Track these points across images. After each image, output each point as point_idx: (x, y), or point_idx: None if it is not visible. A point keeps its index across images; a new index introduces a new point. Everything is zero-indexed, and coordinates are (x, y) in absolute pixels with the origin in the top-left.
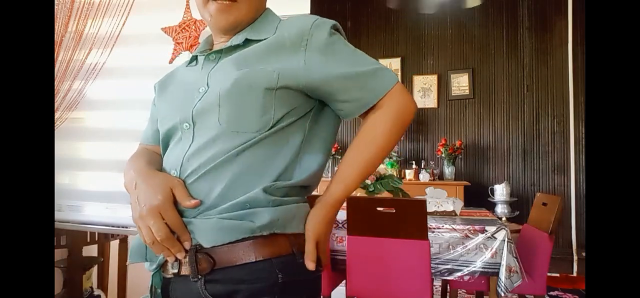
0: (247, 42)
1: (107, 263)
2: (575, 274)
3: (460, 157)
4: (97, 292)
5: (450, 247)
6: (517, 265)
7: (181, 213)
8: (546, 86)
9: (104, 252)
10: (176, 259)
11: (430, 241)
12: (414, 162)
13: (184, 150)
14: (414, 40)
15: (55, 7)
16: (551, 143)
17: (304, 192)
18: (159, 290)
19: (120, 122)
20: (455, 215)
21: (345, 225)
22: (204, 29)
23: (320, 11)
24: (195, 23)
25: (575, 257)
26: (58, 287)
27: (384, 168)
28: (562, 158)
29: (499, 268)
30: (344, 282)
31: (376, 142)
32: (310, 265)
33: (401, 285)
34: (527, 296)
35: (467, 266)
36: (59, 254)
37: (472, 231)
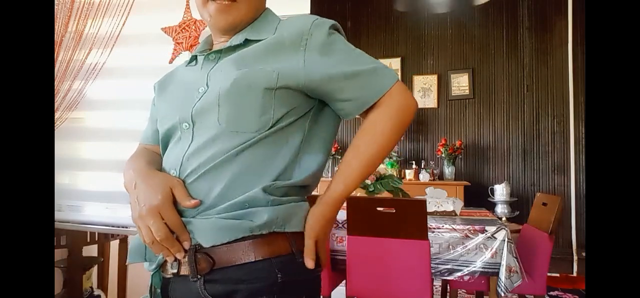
0: (247, 42)
1: (107, 263)
2: (575, 274)
3: (460, 157)
4: (97, 292)
5: (450, 247)
6: (517, 265)
7: (181, 213)
8: (546, 86)
9: (104, 252)
10: (175, 259)
11: (430, 241)
12: (414, 162)
13: (183, 150)
14: (414, 40)
15: (55, 7)
16: (551, 143)
17: (304, 192)
18: (159, 290)
19: (120, 122)
20: (455, 215)
21: (345, 225)
22: (204, 29)
23: (320, 11)
24: (195, 23)
25: (575, 257)
26: (58, 287)
27: (384, 168)
28: (562, 158)
29: (499, 268)
30: (344, 282)
31: (377, 141)
32: (309, 262)
33: (401, 285)
34: (527, 296)
35: (467, 266)
36: (59, 254)
37: (472, 231)
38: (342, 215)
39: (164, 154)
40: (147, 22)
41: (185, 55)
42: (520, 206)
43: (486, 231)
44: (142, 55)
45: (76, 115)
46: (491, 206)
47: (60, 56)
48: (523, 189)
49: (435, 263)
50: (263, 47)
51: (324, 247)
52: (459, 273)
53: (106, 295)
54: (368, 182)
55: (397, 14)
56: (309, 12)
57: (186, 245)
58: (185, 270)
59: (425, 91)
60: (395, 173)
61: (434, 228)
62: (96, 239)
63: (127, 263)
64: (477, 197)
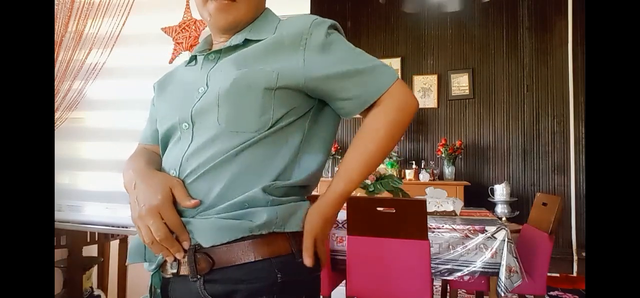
0: (247, 42)
1: (107, 263)
2: (575, 274)
3: (460, 157)
4: (97, 292)
5: (450, 247)
6: (517, 265)
7: (180, 213)
8: (546, 86)
9: (104, 252)
10: (175, 259)
11: (430, 241)
12: (414, 162)
13: (183, 150)
14: (414, 40)
15: (55, 7)
16: (551, 143)
17: (304, 192)
18: (159, 290)
19: (120, 122)
20: (455, 215)
21: (345, 225)
22: (204, 29)
23: (320, 11)
24: (195, 23)
25: (575, 257)
26: (58, 287)
27: (384, 168)
28: (562, 158)
29: (499, 268)
30: (344, 282)
31: (377, 140)
32: (308, 261)
33: (401, 285)
34: (527, 296)
35: (467, 266)
36: (59, 254)
37: (472, 231)
38: (342, 215)
39: (163, 154)
40: (147, 22)
41: (185, 55)
42: (520, 206)
43: (486, 231)
44: (142, 55)
45: (76, 115)
46: (491, 206)
47: (60, 56)
48: (523, 189)
49: (435, 263)
50: (263, 47)
51: (324, 246)
52: (459, 273)
53: (106, 295)
54: (368, 182)
55: (397, 14)
56: (309, 12)
57: (186, 245)
58: (184, 270)
59: (425, 91)
60: (395, 173)
61: (434, 228)
62: (96, 239)
63: (127, 264)
64: (477, 197)
